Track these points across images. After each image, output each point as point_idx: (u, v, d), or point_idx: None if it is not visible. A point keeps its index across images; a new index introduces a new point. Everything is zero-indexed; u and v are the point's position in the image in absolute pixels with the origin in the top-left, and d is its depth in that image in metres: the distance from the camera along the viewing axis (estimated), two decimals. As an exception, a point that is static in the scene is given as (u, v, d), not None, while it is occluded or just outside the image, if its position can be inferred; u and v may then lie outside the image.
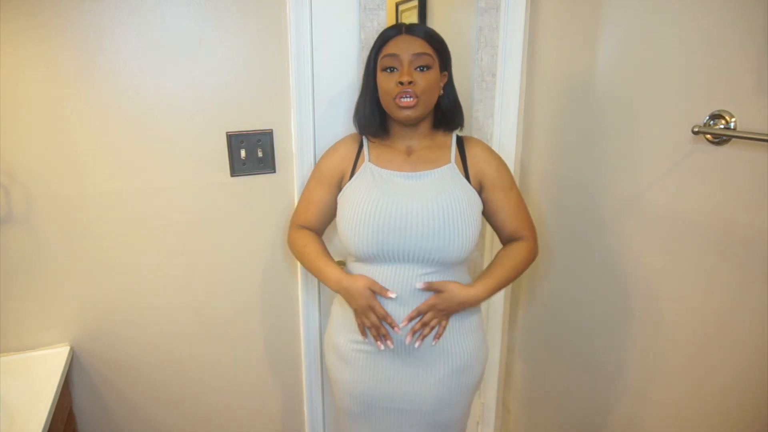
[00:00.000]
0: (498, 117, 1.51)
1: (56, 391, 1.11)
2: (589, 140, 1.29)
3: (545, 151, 1.46)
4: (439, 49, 1.09)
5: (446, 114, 1.16)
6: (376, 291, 1.07)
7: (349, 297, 1.10)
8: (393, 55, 1.06)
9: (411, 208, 1.06)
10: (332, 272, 1.13)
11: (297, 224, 1.25)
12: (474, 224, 1.08)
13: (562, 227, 1.43)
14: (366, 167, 1.14)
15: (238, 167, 1.33)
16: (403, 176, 1.11)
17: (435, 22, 1.75)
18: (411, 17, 1.89)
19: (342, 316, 1.19)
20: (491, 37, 1.44)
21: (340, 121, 1.37)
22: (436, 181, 1.10)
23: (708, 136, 0.98)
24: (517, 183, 1.58)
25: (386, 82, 1.07)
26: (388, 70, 1.07)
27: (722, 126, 0.95)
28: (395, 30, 1.09)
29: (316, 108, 1.34)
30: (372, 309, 1.07)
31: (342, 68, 1.34)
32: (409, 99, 1.05)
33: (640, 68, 1.13)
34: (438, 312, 1.08)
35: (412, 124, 1.13)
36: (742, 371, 1.00)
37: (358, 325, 1.13)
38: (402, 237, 1.05)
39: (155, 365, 1.40)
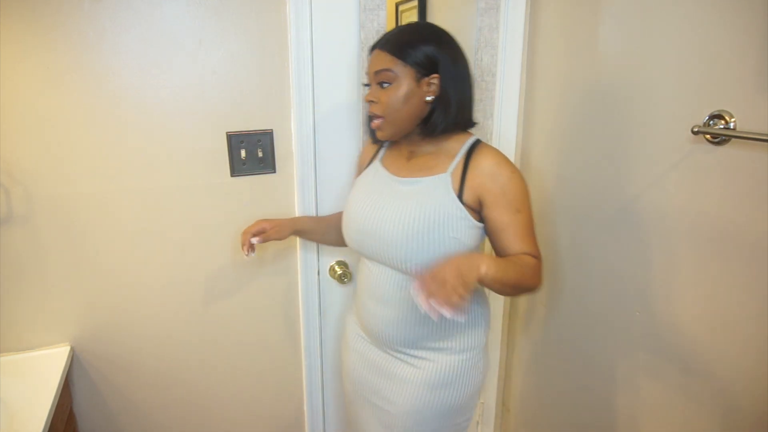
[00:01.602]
0: (498, 117, 1.52)
1: (56, 391, 1.11)
2: (589, 140, 1.29)
3: (545, 151, 1.46)
4: (412, 57, 1.00)
5: (434, 119, 1.05)
6: (258, 232, 1.19)
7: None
8: (367, 74, 1.08)
9: (386, 214, 1.05)
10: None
11: None
12: (446, 242, 1.00)
13: (562, 227, 1.43)
14: (374, 165, 1.17)
15: (238, 167, 1.33)
16: (396, 180, 1.09)
17: (435, 22, 1.75)
18: (411, 17, 1.89)
19: (355, 298, 1.23)
20: (491, 37, 1.44)
21: (340, 121, 1.37)
22: (421, 190, 1.05)
23: (708, 136, 0.98)
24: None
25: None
26: (367, 87, 1.09)
27: (722, 126, 0.95)
28: (374, 44, 1.07)
29: (316, 108, 1.34)
30: (246, 230, 1.19)
31: (342, 68, 1.34)
32: (375, 120, 1.05)
33: (640, 68, 1.13)
34: (440, 281, 0.85)
35: (389, 141, 1.15)
36: (743, 371, 1.00)
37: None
38: (376, 241, 1.06)
39: (155, 364, 1.40)
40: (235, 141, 1.30)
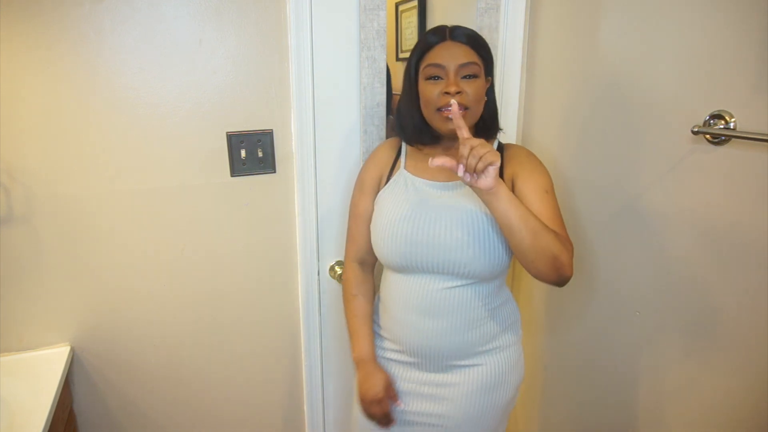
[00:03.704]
0: (498, 117, 1.51)
1: (57, 391, 1.11)
2: (589, 140, 1.29)
3: (545, 151, 1.46)
4: (485, 54, 1.04)
5: (487, 121, 1.10)
6: (389, 396, 1.12)
7: (359, 385, 1.15)
8: (438, 65, 1.01)
9: (439, 221, 1.02)
10: (359, 345, 1.16)
11: (351, 256, 1.22)
12: (501, 239, 1.01)
13: (562, 227, 1.43)
14: (401, 174, 1.12)
15: (238, 167, 1.33)
16: (436, 186, 1.08)
17: (435, 23, 1.75)
18: (411, 17, 1.89)
19: (380, 322, 1.19)
20: (491, 37, 1.44)
21: (340, 122, 1.37)
22: (465, 192, 1.05)
23: (708, 136, 0.98)
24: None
25: (430, 92, 1.01)
26: (433, 80, 1.02)
27: (722, 126, 0.96)
28: (438, 36, 1.03)
29: (316, 108, 1.34)
30: (377, 407, 1.12)
31: (342, 68, 1.34)
32: (461, 110, 0.98)
33: (640, 68, 1.13)
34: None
35: (407, 149, 1.13)
36: (743, 371, 1.00)
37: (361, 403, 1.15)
38: (430, 249, 1.02)
39: (155, 365, 1.40)
40: (235, 141, 1.30)
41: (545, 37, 1.41)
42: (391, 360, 1.15)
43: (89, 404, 1.35)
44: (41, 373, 1.17)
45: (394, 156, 1.17)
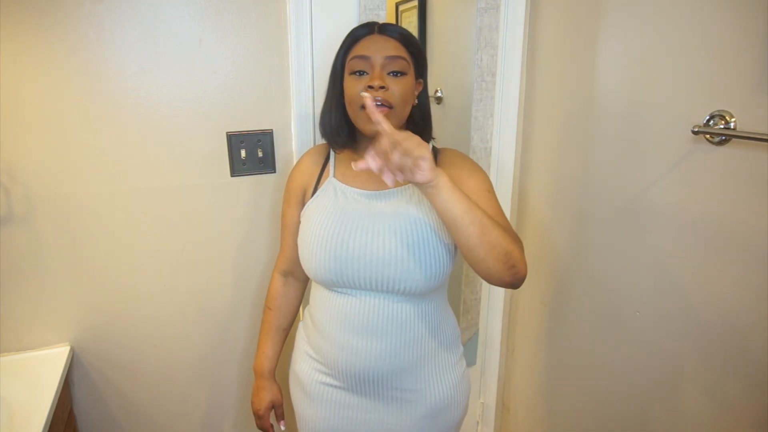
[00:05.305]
0: (498, 117, 1.52)
1: (56, 391, 1.11)
2: (589, 140, 1.29)
3: (545, 151, 1.46)
4: (416, 53, 0.97)
5: (418, 126, 1.03)
6: (276, 414, 1.20)
7: (252, 394, 1.20)
8: (363, 57, 0.93)
9: (371, 233, 0.94)
10: (258, 357, 1.19)
11: (277, 267, 1.18)
12: (443, 249, 0.94)
13: (562, 227, 1.43)
14: (329, 183, 1.04)
15: (238, 167, 1.33)
16: (367, 195, 0.99)
17: (435, 22, 1.75)
18: (411, 17, 1.89)
19: (306, 342, 1.09)
20: (491, 37, 1.44)
21: (340, 121, 1.37)
22: (402, 201, 0.97)
23: (708, 136, 0.98)
24: (517, 183, 1.58)
25: (354, 87, 0.93)
26: (357, 74, 0.94)
27: (722, 126, 0.96)
28: (367, 28, 0.97)
29: (316, 108, 1.34)
30: (258, 420, 1.18)
31: (342, 68, 1.34)
32: (381, 107, 0.91)
33: (640, 68, 1.13)
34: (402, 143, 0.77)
35: (335, 156, 1.06)
36: (743, 371, 1.00)
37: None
38: (362, 265, 0.94)
39: (155, 365, 1.40)
40: (235, 141, 1.30)
41: (545, 37, 1.41)
42: (327, 384, 1.04)
43: (89, 404, 1.35)
44: (41, 373, 1.17)
45: (321, 163, 1.08)
